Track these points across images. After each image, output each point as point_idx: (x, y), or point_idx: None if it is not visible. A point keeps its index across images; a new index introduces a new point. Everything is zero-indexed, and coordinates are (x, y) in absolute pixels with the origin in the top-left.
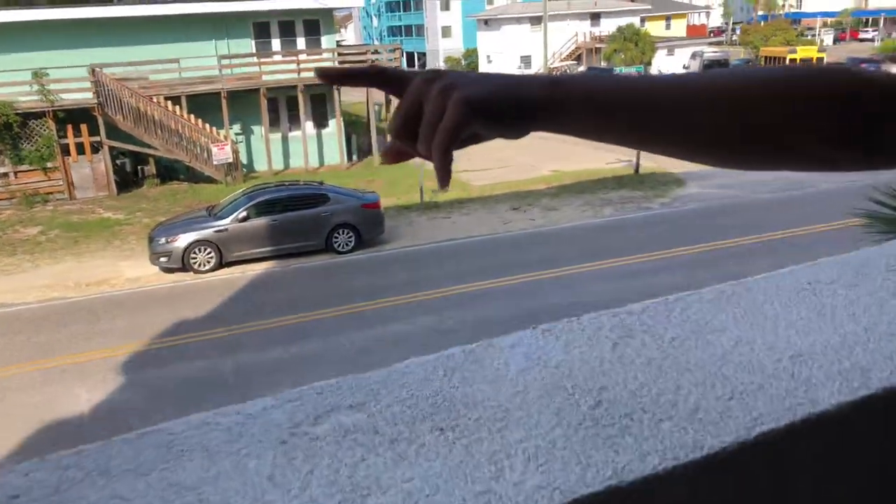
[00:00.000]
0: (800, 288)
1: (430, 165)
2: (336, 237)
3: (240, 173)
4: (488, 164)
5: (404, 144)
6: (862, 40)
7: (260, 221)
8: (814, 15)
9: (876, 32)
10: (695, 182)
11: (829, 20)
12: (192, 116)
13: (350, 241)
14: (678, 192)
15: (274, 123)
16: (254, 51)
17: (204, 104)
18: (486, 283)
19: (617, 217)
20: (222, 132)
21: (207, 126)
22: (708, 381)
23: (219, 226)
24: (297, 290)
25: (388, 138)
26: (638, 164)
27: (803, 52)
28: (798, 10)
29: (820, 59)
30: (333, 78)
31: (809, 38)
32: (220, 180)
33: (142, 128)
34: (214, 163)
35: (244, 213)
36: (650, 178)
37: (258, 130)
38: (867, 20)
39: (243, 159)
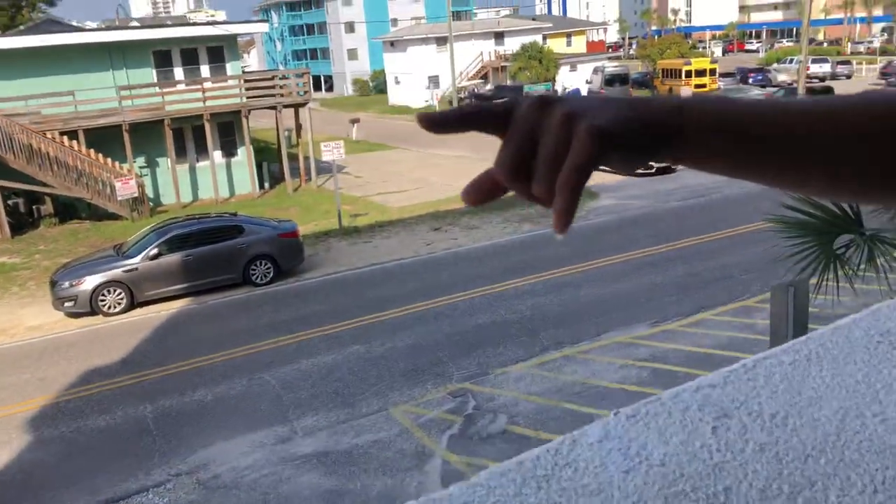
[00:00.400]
0: (873, 341)
1: (349, 189)
2: (254, 269)
3: (147, 208)
4: (404, 184)
5: (511, 184)
6: (748, 51)
7: (172, 258)
8: (703, 28)
9: (760, 44)
10: (607, 194)
11: (717, 33)
12: (92, 151)
13: (269, 273)
14: (592, 205)
15: (180, 154)
16: (155, 80)
17: (104, 138)
18: (413, 307)
19: (536, 232)
20: (125, 166)
21: (109, 160)
22: (840, 471)
23: (128, 265)
24: (217, 328)
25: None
26: None
27: (697, 64)
28: (689, 25)
29: (713, 70)
30: (439, 125)
31: (701, 49)
32: (125, 216)
33: (35, 165)
34: (119, 198)
35: (155, 250)
36: None
37: (164, 162)
38: (751, 32)
39: (150, 193)
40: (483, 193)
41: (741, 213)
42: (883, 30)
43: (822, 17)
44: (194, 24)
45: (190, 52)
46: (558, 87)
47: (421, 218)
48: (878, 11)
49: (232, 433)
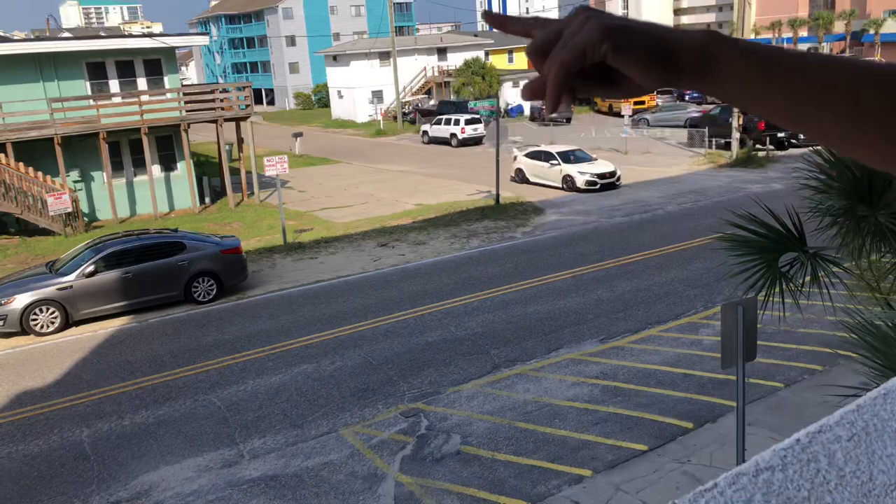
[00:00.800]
0: None
1: (293, 204)
2: (196, 286)
3: (81, 223)
4: (349, 200)
5: (533, 60)
6: None
7: (110, 275)
8: None
9: None
10: (553, 210)
11: None
12: (22, 165)
13: (211, 290)
14: (538, 221)
15: (117, 168)
16: (89, 92)
17: (35, 151)
18: (361, 325)
19: (484, 248)
20: (58, 180)
21: (41, 174)
22: None
23: (62, 282)
24: (158, 347)
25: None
26: (498, 195)
27: None
28: None
29: None
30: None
31: None
32: (58, 232)
33: None
34: (51, 213)
35: (91, 267)
36: (511, 207)
37: (99, 176)
38: None
39: (84, 208)
40: (534, 90)
41: (684, 229)
42: (808, 50)
43: (752, 36)
44: (130, 35)
45: (126, 64)
46: (502, 104)
47: (367, 233)
48: (803, 32)
49: (175, 457)
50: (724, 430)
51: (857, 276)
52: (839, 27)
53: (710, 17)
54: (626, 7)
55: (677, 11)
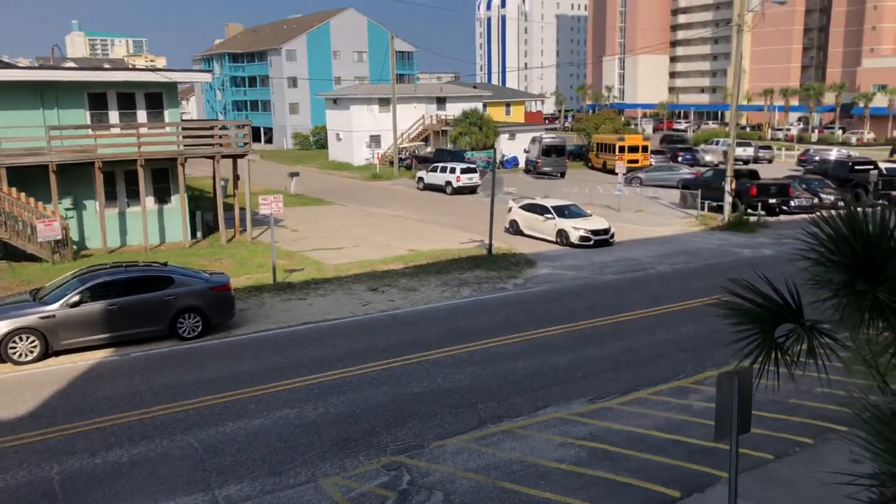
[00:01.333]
0: None
1: (284, 243)
2: (181, 322)
3: (70, 251)
4: (342, 242)
5: None
6: (676, 130)
7: (95, 306)
8: (635, 106)
9: (688, 124)
10: (545, 263)
11: (648, 111)
12: (14, 190)
13: (197, 327)
14: (530, 273)
15: (110, 198)
16: (88, 122)
17: (29, 177)
18: (347, 371)
19: (474, 298)
20: (50, 207)
21: (32, 200)
22: None
23: (45, 311)
24: (138, 383)
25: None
26: (491, 245)
27: (630, 140)
28: (621, 101)
29: (645, 147)
30: None
31: (633, 126)
32: (46, 259)
33: None
34: (39, 240)
35: (76, 297)
36: (503, 258)
37: (92, 205)
38: (680, 112)
39: (74, 236)
40: None
41: (675, 290)
42: (799, 119)
43: (744, 102)
44: (134, 69)
45: (127, 97)
46: (497, 156)
47: (358, 277)
48: (794, 101)
49: (148, 500)
50: (712, 500)
51: (854, 352)
52: (829, 98)
53: (703, 82)
54: (622, 67)
55: (672, 75)
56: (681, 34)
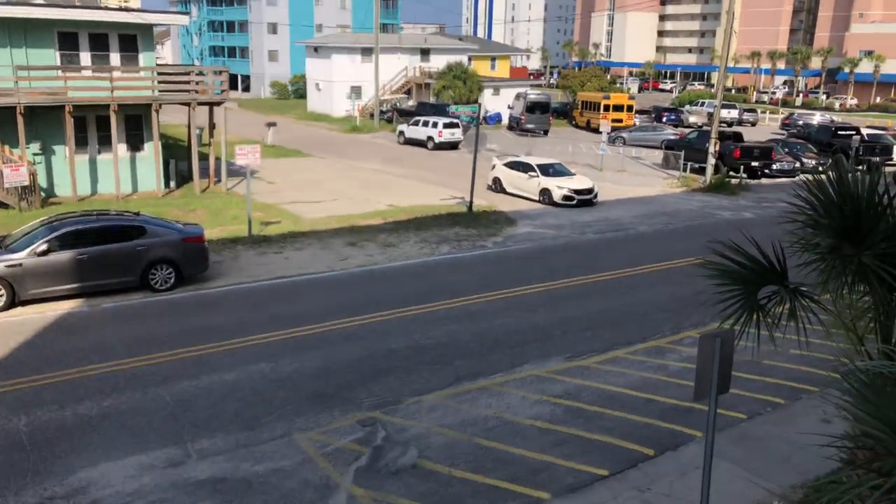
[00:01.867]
0: None
1: (260, 195)
2: (153, 274)
3: (38, 198)
4: (320, 195)
5: None
6: (661, 90)
7: (63, 255)
8: (621, 65)
9: (674, 84)
10: (525, 221)
11: (634, 70)
12: None
13: (169, 278)
14: (510, 231)
15: (81, 144)
16: (58, 63)
17: None
18: (324, 326)
19: (454, 255)
20: (17, 151)
21: None
22: None
23: (11, 259)
24: (109, 334)
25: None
26: (472, 202)
27: (616, 99)
28: (608, 60)
29: (630, 106)
30: None
31: (619, 85)
32: (13, 206)
33: None
34: (6, 185)
35: (44, 246)
36: (483, 216)
37: (61, 151)
38: (666, 73)
39: (42, 182)
40: None
41: (656, 250)
42: (784, 83)
43: (731, 64)
44: (107, 8)
45: (99, 38)
46: (482, 110)
47: (336, 231)
48: (781, 65)
49: (118, 453)
50: (685, 459)
51: (835, 315)
52: (816, 63)
53: (692, 42)
54: (611, 24)
55: (661, 34)
56: None
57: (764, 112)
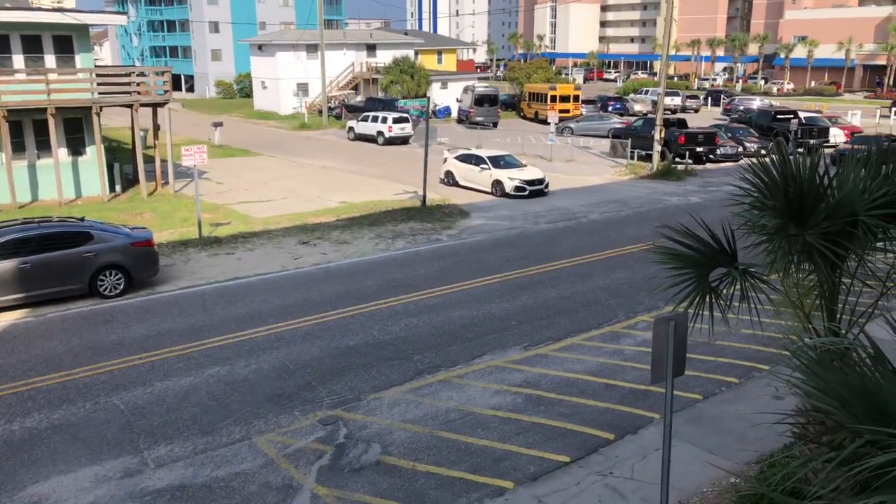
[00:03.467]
0: None
1: (209, 196)
2: (102, 280)
3: None
4: (270, 194)
5: None
6: (606, 80)
7: (5, 264)
8: (566, 55)
9: (618, 74)
10: (479, 214)
11: (578, 61)
12: None
13: (119, 284)
14: (464, 224)
15: (18, 149)
16: None
17: None
18: (280, 327)
19: (409, 249)
20: None
21: None
22: None
23: None
24: (57, 344)
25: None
26: (425, 196)
27: (562, 90)
28: (553, 51)
29: (576, 96)
30: None
31: (565, 76)
32: None
33: None
34: None
35: None
36: (437, 209)
37: None
38: (610, 62)
39: None
40: None
41: (606, 238)
42: (724, 69)
43: (673, 52)
44: (39, 9)
45: (33, 40)
46: (431, 104)
47: (288, 230)
48: (720, 52)
49: (71, 465)
50: (645, 441)
51: (784, 294)
52: (753, 49)
53: (633, 31)
54: (554, 16)
55: (603, 24)
56: None
57: (706, 98)
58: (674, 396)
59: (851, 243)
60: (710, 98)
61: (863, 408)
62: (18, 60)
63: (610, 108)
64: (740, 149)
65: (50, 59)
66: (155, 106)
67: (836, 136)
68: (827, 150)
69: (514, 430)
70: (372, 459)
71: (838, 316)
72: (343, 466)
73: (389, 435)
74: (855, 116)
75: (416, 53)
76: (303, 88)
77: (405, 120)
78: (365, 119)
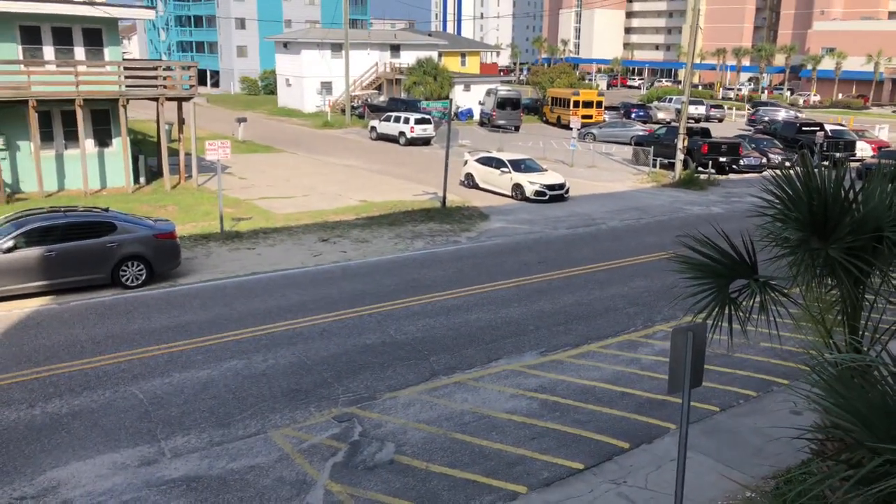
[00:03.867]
0: None
1: (232, 191)
2: (124, 270)
3: (2, 194)
4: (292, 191)
5: None
6: (630, 86)
7: (31, 252)
8: (590, 61)
9: (642, 81)
10: (498, 217)
11: (602, 67)
12: None
13: (141, 275)
14: (484, 226)
15: (46, 139)
16: (20, 57)
17: None
18: (298, 322)
19: (428, 250)
20: None
21: None
22: None
23: None
24: (79, 332)
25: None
26: (445, 197)
27: (585, 95)
28: (577, 56)
29: (599, 102)
30: None
31: (588, 81)
32: None
33: None
34: None
35: (10, 243)
36: (457, 211)
37: (26, 146)
38: (634, 69)
39: (6, 178)
40: None
41: (626, 245)
42: (749, 79)
43: (697, 61)
44: (71, 1)
45: (63, 32)
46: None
47: (308, 227)
48: (745, 62)
49: (89, 452)
50: (660, 451)
51: (804, 308)
52: (780, 60)
53: (658, 39)
54: (578, 21)
55: (628, 30)
56: None
57: (730, 108)
58: (690, 407)
59: (876, 259)
60: (757, 108)
61: (883, 426)
62: (49, 52)
63: (633, 115)
64: (764, 160)
65: (80, 52)
66: (180, 100)
67: (863, 150)
68: (853, 164)
69: (528, 435)
70: (386, 458)
71: (860, 332)
72: (357, 464)
73: (404, 434)
74: (883, 130)
75: (440, 55)
76: (326, 87)
77: (427, 121)
78: (387, 119)
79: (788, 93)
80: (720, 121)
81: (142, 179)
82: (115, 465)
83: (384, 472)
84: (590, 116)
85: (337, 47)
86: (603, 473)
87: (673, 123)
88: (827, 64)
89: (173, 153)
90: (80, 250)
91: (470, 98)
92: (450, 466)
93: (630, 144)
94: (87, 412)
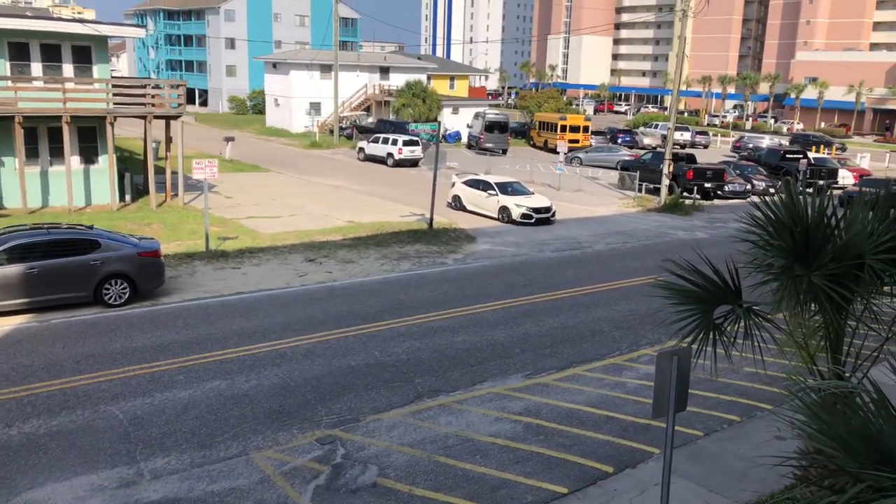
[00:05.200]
0: None
1: (218, 210)
2: (107, 288)
3: None
4: (278, 211)
5: None
6: (616, 112)
7: (12, 269)
8: (577, 86)
9: (629, 106)
10: (485, 239)
11: (590, 92)
12: None
13: (124, 293)
14: (470, 248)
15: (32, 155)
16: (7, 73)
17: None
18: (282, 343)
19: (414, 272)
20: None
21: None
22: None
23: None
24: (59, 350)
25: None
26: (432, 219)
27: (572, 120)
28: (564, 81)
29: (586, 127)
30: None
31: (575, 106)
32: None
33: None
34: None
35: None
36: (444, 233)
37: (10, 162)
38: (621, 95)
39: None
40: None
41: (612, 269)
42: (734, 107)
43: (683, 88)
44: (60, 18)
45: (52, 49)
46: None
47: (294, 247)
48: (731, 89)
49: (67, 473)
50: (644, 476)
51: (788, 334)
52: (764, 88)
53: (645, 65)
54: (567, 47)
55: (615, 57)
56: (625, 17)
57: (715, 135)
58: (675, 432)
59: (857, 286)
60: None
61: (865, 452)
62: (37, 68)
63: (619, 141)
64: (749, 186)
65: (68, 69)
66: (168, 118)
67: (845, 178)
68: (835, 192)
69: (512, 459)
70: (369, 481)
71: (843, 359)
72: (339, 487)
73: (387, 457)
74: (864, 159)
75: (429, 78)
76: (315, 107)
77: (415, 143)
78: (375, 140)
79: (772, 120)
80: (705, 147)
81: (127, 197)
82: (92, 487)
83: (367, 495)
84: (577, 141)
85: (326, 68)
86: (587, 498)
87: (659, 149)
88: (810, 93)
89: (160, 171)
90: (63, 268)
91: (458, 121)
92: (433, 490)
93: (616, 169)
94: (65, 432)
